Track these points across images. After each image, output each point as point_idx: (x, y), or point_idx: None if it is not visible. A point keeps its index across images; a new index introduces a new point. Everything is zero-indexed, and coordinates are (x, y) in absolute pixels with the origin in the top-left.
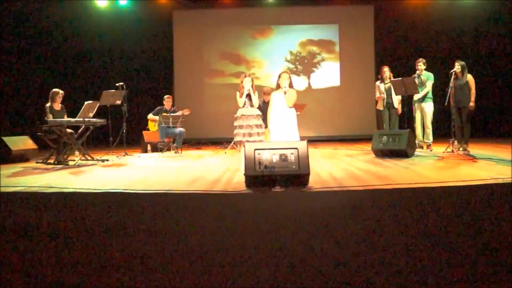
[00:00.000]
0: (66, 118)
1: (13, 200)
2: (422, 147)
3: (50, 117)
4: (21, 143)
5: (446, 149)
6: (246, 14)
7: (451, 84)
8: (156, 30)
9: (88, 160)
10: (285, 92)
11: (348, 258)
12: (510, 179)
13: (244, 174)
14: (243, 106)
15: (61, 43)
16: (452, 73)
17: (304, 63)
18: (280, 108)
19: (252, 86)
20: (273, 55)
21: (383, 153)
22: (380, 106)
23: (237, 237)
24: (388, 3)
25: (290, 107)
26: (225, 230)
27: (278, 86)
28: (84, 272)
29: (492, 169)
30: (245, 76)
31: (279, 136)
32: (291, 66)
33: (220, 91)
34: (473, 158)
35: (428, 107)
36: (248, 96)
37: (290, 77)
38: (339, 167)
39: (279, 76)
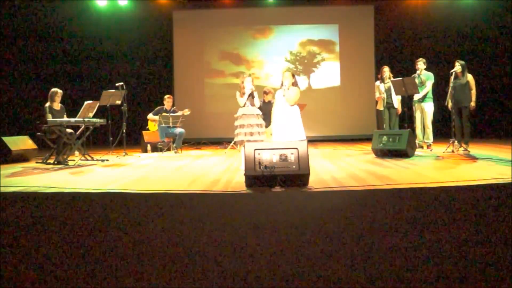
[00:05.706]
0: (65, 118)
1: (13, 200)
2: (422, 147)
3: (49, 117)
4: (21, 143)
5: (446, 149)
6: (246, 14)
7: (451, 84)
8: (156, 30)
9: (88, 160)
10: (284, 90)
11: (348, 258)
12: (510, 179)
13: (244, 174)
14: (244, 106)
15: (61, 43)
16: (452, 73)
17: (304, 63)
18: (281, 106)
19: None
20: (273, 55)
21: (383, 153)
22: (380, 106)
23: (237, 237)
24: (388, 3)
25: (292, 105)
26: (225, 230)
27: (282, 85)
28: (83, 272)
29: (492, 169)
30: (246, 76)
31: (280, 134)
32: (291, 66)
33: (220, 91)
34: (473, 158)
35: (428, 107)
36: (251, 95)
37: (293, 76)
38: (339, 167)
39: (283, 75)
